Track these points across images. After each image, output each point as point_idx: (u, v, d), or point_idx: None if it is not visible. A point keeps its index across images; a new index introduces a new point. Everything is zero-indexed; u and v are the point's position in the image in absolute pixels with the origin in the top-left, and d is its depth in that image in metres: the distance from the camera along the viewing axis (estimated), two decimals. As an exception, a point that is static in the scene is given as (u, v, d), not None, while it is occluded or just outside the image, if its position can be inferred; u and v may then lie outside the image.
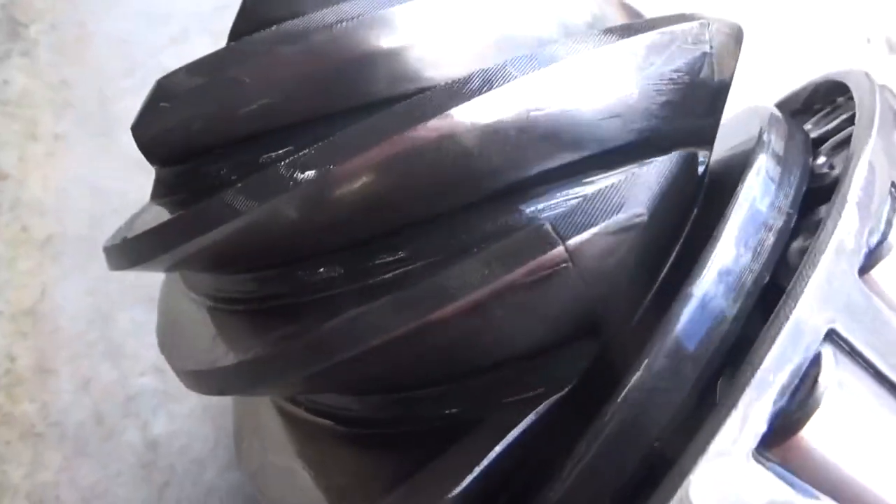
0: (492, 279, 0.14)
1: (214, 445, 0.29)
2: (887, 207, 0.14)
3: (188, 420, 0.29)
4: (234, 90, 0.16)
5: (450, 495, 0.15)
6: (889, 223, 0.14)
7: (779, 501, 0.13)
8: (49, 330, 0.31)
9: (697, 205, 0.17)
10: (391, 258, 0.16)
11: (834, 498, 0.14)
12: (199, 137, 0.17)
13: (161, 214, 0.18)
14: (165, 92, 0.17)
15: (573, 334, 0.16)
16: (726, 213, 0.15)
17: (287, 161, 0.14)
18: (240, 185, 0.15)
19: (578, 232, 0.14)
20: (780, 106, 0.20)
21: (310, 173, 0.14)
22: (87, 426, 0.29)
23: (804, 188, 0.16)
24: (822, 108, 0.19)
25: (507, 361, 0.16)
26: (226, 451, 0.29)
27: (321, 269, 0.17)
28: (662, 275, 0.16)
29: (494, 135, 0.14)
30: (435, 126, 0.14)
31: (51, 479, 0.28)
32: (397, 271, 0.16)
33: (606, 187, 0.14)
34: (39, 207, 0.33)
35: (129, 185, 0.33)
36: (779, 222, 0.15)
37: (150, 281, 0.30)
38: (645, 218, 0.14)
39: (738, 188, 0.15)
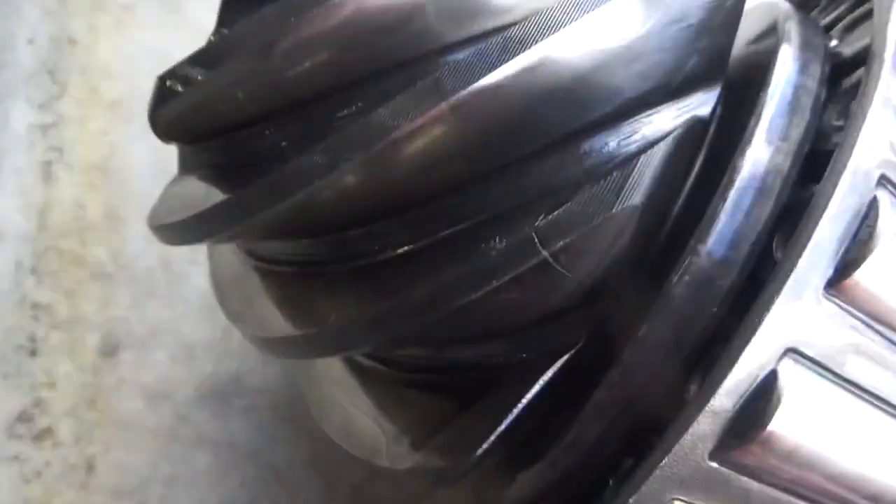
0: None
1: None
2: None
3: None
4: (287, 52, 0.16)
5: (492, 435, 0.16)
6: None
7: (847, 330, 0.15)
8: (118, 183, 0.33)
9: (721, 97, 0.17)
10: (456, 218, 0.16)
11: (890, 325, 0.15)
12: (244, 108, 0.17)
13: (205, 189, 0.18)
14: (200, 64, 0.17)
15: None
16: (764, 93, 0.16)
17: (360, 121, 0.15)
18: (318, 146, 0.15)
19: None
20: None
21: (385, 132, 0.14)
22: (156, 270, 0.31)
23: (827, 67, 0.17)
24: (819, 2, 0.21)
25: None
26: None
27: (395, 230, 0.17)
28: (696, 169, 0.17)
29: (549, 88, 0.15)
30: (496, 82, 0.14)
31: (122, 315, 0.30)
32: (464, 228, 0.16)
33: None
34: (109, 71, 0.35)
35: (196, 54, 0.35)
36: (810, 98, 0.16)
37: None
38: None
39: (769, 74, 0.16)
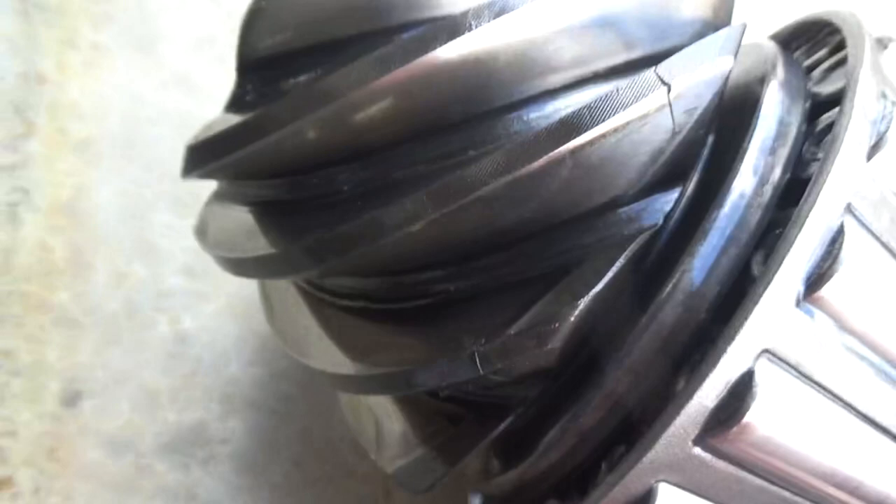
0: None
1: (239, 342, 0.31)
2: (881, 108, 0.18)
3: (216, 318, 0.31)
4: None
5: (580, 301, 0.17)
6: (887, 120, 0.17)
7: (815, 337, 0.17)
8: (84, 226, 0.33)
9: (715, 123, 0.19)
10: (407, 172, 0.18)
11: (853, 334, 0.17)
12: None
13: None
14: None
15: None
16: (752, 126, 0.17)
17: (313, 85, 0.16)
18: (278, 103, 0.17)
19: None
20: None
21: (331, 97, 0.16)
22: (120, 316, 0.31)
23: (807, 105, 0.19)
24: (801, 44, 0.23)
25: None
26: (249, 347, 0.31)
27: (351, 173, 0.18)
28: (697, 174, 0.19)
29: (506, 53, 0.16)
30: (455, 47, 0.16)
31: (85, 362, 0.31)
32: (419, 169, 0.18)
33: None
34: (77, 111, 0.35)
35: (166, 98, 0.35)
36: (792, 134, 0.18)
37: (183, 188, 0.32)
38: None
39: (758, 109, 0.18)
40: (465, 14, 0.15)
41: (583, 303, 0.17)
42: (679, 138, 0.17)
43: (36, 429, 0.29)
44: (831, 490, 0.18)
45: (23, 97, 0.35)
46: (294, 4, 0.18)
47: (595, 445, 0.19)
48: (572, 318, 0.16)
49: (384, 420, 0.23)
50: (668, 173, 0.18)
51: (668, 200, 0.18)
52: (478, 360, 0.17)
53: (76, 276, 0.32)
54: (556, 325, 0.16)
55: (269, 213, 0.20)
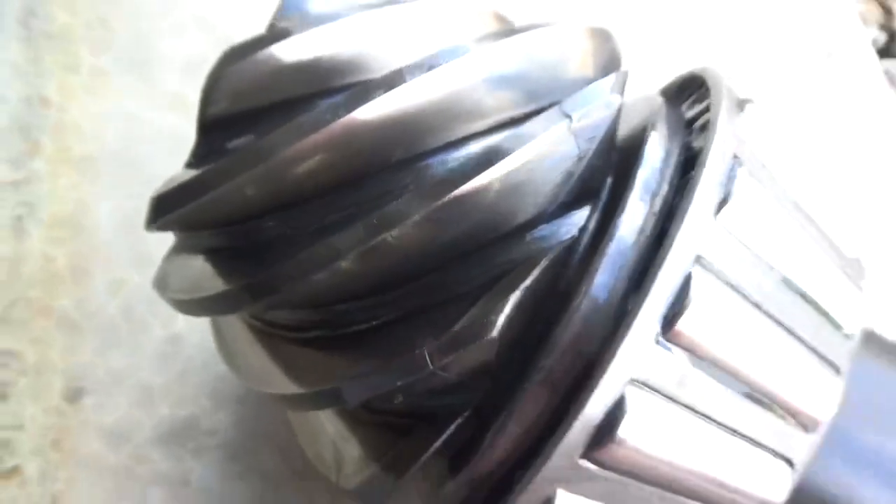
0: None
1: (227, 343, 0.34)
2: (728, 169, 0.21)
3: (205, 321, 0.34)
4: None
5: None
6: (731, 179, 0.21)
7: (674, 366, 0.20)
8: (84, 238, 0.36)
9: (613, 170, 0.22)
10: (339, 215, 0.20)
11: (706, 361, 0.20)
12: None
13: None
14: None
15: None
16: (633, 176, 0.21)
17: (252, 145, 0.19)
18: (216, 164, 0.19)
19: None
20: (662, 91, 0.27)
21: (270, 155, 0.18)
22: (118, 320, 0.34)
23: (682, 158, 0.22)
24: (690, 94, 0.26)
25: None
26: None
27: (288, 220, 0.20)
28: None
29: (424, 114, 0.19)
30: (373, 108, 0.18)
31: (85, 361, 0.33)
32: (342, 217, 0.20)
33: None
34: (79, 131, 0.38)
35: (161, 118, 0.38)
36: (666, 184, 0.21)
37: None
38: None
39: (637, 164, 0.21)
40: (397, 72, 0.18)
41: (514, 295, 0.19)
42: (584, 162, 0.20)
43: (42, 422, 0.32)
44: (701, 484, 0.21)
45: (28, 119, 0.37)
46: (245, 72, 0.20)
47: (530, 443, 0.21)
48: (507, 308, 0.19)
49: (342, 445, 0.25)
50: (579, 194, 0.20)
51: (581, 217, 0.21)
52: (427, 357, 0.20)
53: (77, 284, 0.35)
54: (493, 316, 0.19)
55: (221, 258, 0.22)
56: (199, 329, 0.35)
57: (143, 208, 0.34)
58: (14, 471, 0.32)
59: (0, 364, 0.33)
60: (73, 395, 0.33)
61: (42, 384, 0.33)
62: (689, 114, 0.25)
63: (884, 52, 0.61)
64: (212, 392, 0.34)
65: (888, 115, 0.54)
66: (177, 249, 0.24)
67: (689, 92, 0.26)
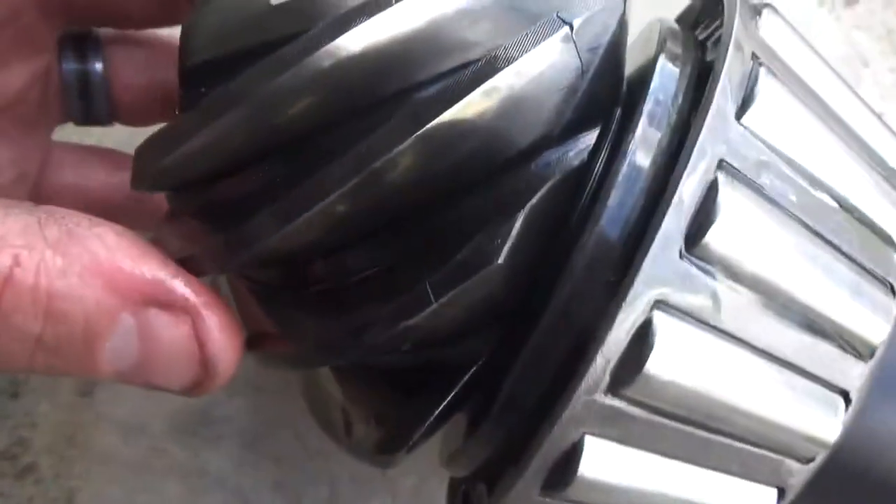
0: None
1: (239, 328, 0.33)
2: (749, 70, 0.19)
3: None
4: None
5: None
6: (753, 80, 0.19)
7: (701, 282, 0.18)
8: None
9: (624, 94, 0.20)
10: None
11: (737, 278, 0.18)
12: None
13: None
14: None
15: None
16: (645, 93, 0.19)
17: (232, 84, 0.17)
18: (202, 104, 0.17)
19: None
20: (678, 19, 0.25)
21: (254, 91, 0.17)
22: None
23: (696, 72, 0.20)
24: (705, 19, 0.24)
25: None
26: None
27: (272, 167, 0.19)
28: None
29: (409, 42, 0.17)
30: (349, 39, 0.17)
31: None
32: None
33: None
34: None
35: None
36: (677, 104, 0.19)
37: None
38: None
39: (649, 79, 0.19)
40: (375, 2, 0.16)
41: (519, 219, 0.18)
42: (588, 77, 0.18)
43: (55, 418, 0.31)
44: (742, 421, 0.19)
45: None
46: (222, 14, 0.19)
47: (552, 388, 0.19)
48: (514, 232, 0.17)
49: (350, 409, 0.24)
50: (586, 114, 0.19)
51: (590, 139, 0.19)
52: (430, 291, 0.18)
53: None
54: (499, 240, 0.18)
55: (209, 216, 0.20)
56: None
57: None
58: (29, 468, 0.31)
59: (11, 362, 0.32)
60: (86, 390, 0.32)
61: (54, 380, 0.32)
62: (702, 36, 0.24)
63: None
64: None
65: None
66: (170, 215, 0.23)
67: (705, 16, 0.25)
